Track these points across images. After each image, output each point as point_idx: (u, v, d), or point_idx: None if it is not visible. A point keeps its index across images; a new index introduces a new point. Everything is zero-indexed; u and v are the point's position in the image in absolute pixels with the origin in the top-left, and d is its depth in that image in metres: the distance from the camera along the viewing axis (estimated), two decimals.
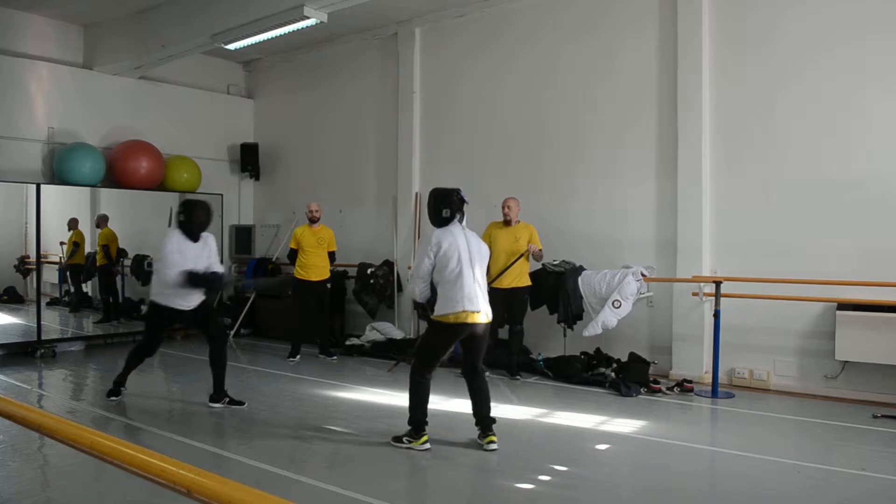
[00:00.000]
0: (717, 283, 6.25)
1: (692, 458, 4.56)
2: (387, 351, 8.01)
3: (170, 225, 9.96)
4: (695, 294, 6.69)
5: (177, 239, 5.44)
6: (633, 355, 6.73)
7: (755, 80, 6.49)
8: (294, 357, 7.85)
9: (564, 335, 7.15)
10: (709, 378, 6.43)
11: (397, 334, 8.45)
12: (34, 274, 8.48)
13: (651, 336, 7.13)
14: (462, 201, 4.65)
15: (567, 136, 7.68)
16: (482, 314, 4.49)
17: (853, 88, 6.01)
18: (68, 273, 9.04)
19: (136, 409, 5.85)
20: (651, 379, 6.45)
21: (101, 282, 9.37)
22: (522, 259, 6.73)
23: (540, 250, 6.75)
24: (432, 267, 4.47)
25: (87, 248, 9.20)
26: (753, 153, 6.51)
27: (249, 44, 8.04)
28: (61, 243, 8.79)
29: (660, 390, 6.26)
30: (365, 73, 9.62)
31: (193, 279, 5.36)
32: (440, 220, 4.62)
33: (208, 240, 5.68)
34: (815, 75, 6.20)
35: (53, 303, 9.16)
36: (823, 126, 6.15)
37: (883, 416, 5.32)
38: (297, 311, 8.02)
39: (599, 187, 7.42)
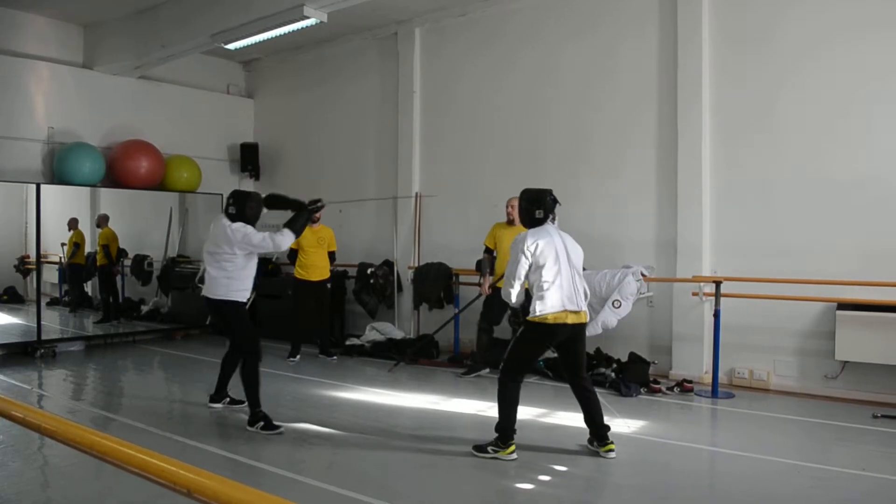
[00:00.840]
0: (717, 283, 6.25)
1: (692, 458, 4.56)
2: (387, 351, 8.01)
3: (170, 225, 9.99)
4: (695, 294, 6.69)
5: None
6: (633, 355, 6.73)
7: (755, 79, 6.49)
8: (294, 357, 7.84)
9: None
10: (709, 378, 6.43)
11: (397, 334, 8.45)
12: (34, 274, 8.48)
13: (651, 336, 7.13)
14: (555, 202, 4.55)
15: (567, 136, 7.68)
16: (583, 314, 4.37)
17: (853, 88, 6.01)
18: (68, 273, 9.03)
19: (136, 409, 5.85)
20: (651, 379, 6.46)
21: (101, 282, 9.37)
22: None
23: None
24: (528, 267, 4.32)
25: (88, 248, 9.21)
26: (753, 153, 6.51)
27: (249, 44, 8.04)
28: (62, 244, 8.79)
29: (660, 390, 6.26)
30: (365, 73, 9.62)
31: (279, 202, 5.21)
32: (533, 221, 4.52)
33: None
34: (815, 75, 6.20)
35: (53, 303, 9.17)
36: (823, 126, 6.15)
37: (883, 416, 5.32)
38: (297, 311, 8.02)
39: (599, 187, 7.42)
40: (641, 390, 6.26)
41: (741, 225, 6.59)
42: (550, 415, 5.53)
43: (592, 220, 7.40)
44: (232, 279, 5.07)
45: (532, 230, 4.45)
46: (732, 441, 4.89)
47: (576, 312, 4.32)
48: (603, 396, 6.11)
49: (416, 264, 8.69)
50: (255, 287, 5.44)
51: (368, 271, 8.82)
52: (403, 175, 9.05)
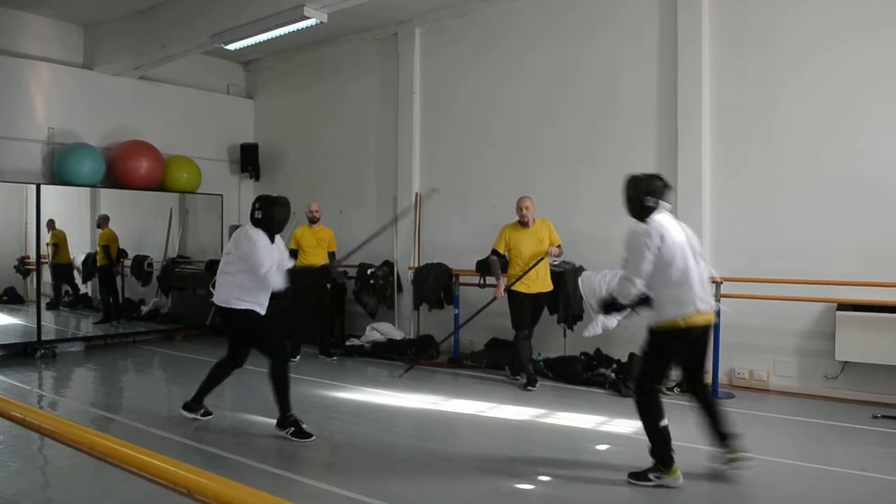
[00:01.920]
0: (717, 283, 6.24)
1: (692, 458, 4.55)
2: (387, 351, 8.01)
3: (170, 225, 9.99)
4: None
5: (264, 236, 4.83)
6: (633, 356, 6.71)
7: (755, 80, 6.49)
8: (294, 357, 7.84)
9: (564, 335, 7.15)
10: (708, 378, 6.41)
11: (397, 335, 8.45)
12: (34, 274, 8.48)
13: None
14: (666, 187, 4.01)
15: (566, 136, 7.68)
16: (713, 313, 3.93)
17: (853, 89, 6.01)
18: (51, 274, 8.96)
19: (136, 409, 5.85)
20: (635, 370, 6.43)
21: (101, 282, 9.37)
22: (545, 261, 6.50)
23: (559, 246, 6.50)
24: (653, 264, 3.81)
25: (72, 248, 9.15)
26: (753, 153, 6.51)
27: (249, 44, 8.04)
28: (46, 244, 8.72)
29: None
30: (365, 74, 9.62)
31: (300, 277, 4.90)
32: (643, 211, 3.95)
33: (279, 242, 5.08)
34: (815, 76, 6.20)
35: (54, 303, 9.16)
36: (823, 126, 6.15)
37: (883, 417, 5.32)
38: (296, 312, 8.01)
39: (599, 187, 7.42)
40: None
41: (741, 225, 6.58)
42: (550, 415, 5.52)
43: (593, 219, 7.40)
44: (249, 289, 4.82)
45: (653, 222, 3.88)
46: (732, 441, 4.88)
47: (709, 312, 3.89)
48: (603, 397, 6.13)
49: (416, 265, 8.69)
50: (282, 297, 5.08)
51: (368, 272, 8.82)
52: (403, 175, 9.04)
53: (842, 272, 5.88)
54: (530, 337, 6.55)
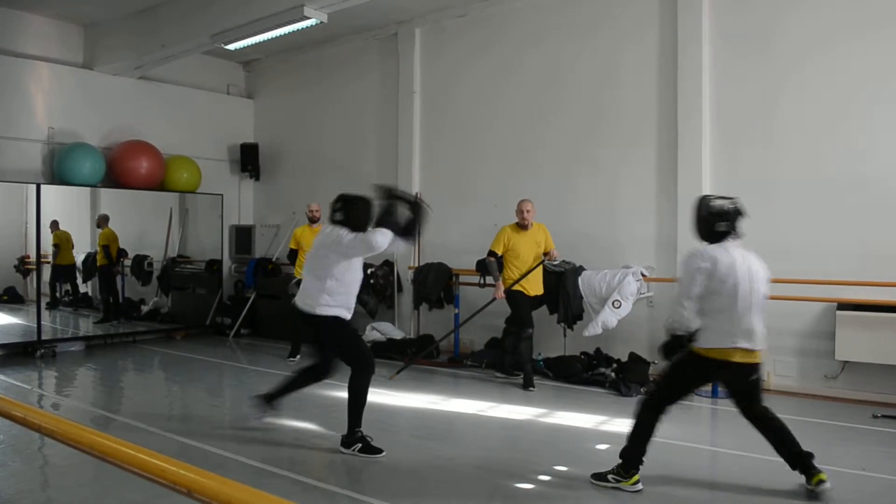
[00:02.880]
0: None
1: (692, 458, 4.56)
2: (387, 351, 8.00)
3: (170, 225, 10.00)
4: None
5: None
6: (633, 355, 6.73)
7: (755, 80, 6.49)
8: (294, 357, 7.84)
9: (564, 335, 7.14)
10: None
11: (397, 334, 8.45)
12: (34, 274, 8.48)
13: (651, 336, 7.11)
14: (739, 213, 3.87)
15: (566, 137, 7.68)
16: (757, 354, 3.72)
17: (853, 89, 6.01)
18: (52, 274, 8.95)
19: (136, 409, 5.85)
20: (651, 379, 6.45)
21: (101, 282, 9.37)
22: (541, 265, 6.58)
23: (553, 251, 6.61)
24: (703, 288, 3.70)
25: (88, 248, 9.19)
26: (753, 153, 6.51)
27: (249, 44, 8.05)
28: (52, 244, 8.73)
29: None
30: (365, 74, 9.62)
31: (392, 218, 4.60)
32: (712, 235, 3.83)
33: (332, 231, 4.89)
34: (815, 76, 6.20)
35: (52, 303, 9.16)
36: (823, 126, 6.15)
37: (883, 416, 5.32)
38: (296, 311, 8.01)
39: (600, 187, 7.42)
40: (641, 390, 6.24)
41: (741, 225, 6.57)
42: (550, 415, 5.52)
43: (592, 220, 7.40)
44: (333, 293, 4.60)
45: (712, 245, 3.78)
46: (732, 441, 4.88)
47: (752, 352, 3.70)
48: (603, 396, 6.13)
49: (416, 264, 8.69)
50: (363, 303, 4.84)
51: (368, 271, 8.81)
52: (403, 175, 9.04)
53: (842, 272, 5.88)
54: (530, 337, 6.55)
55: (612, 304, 6.56)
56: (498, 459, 4.44)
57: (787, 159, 6.33)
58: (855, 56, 5.99)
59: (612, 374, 6.47)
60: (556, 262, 7.02)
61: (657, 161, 7.07)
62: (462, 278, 7.93)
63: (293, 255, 7.93)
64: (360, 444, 4.44)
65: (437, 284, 8.13)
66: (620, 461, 3.90)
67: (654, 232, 7.08)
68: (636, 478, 3.87)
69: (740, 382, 3.85)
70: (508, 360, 6.78)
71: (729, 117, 6.64)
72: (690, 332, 3.78)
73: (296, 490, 3.81)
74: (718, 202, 3.88)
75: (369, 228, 4.67)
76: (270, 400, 4.98)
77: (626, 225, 7.25)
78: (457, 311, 7.83)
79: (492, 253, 6.60)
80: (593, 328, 6.57)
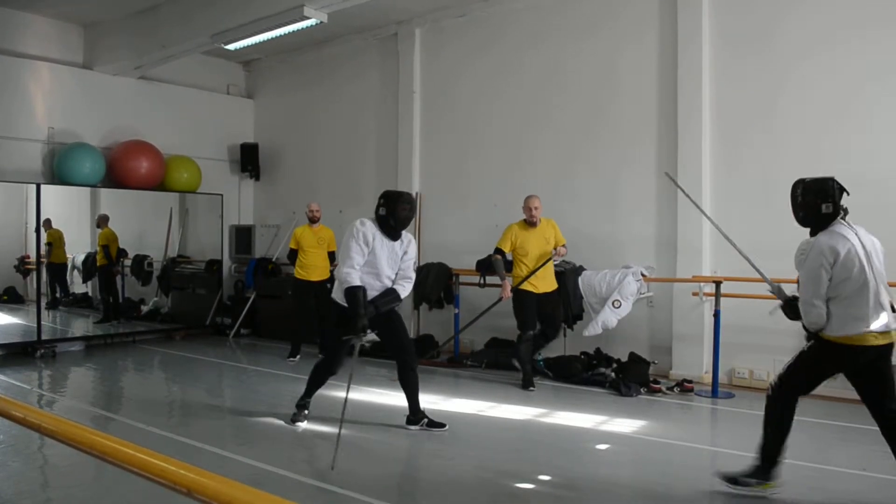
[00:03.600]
0: (718, 283, 6.25)
1: (692, 458, 4.56)
2: (387, 351, 7.99)
3: (170, 225, 10.00)
4: (695, 294, 6.69)
5: (369, 229, 4.67)
6: (633, 355, 6.73)
7: (755, 80, 6.49)
8: (294, 357, 7.84)
9: (564, 335, 7.14)
10: (709, 378, 6.42)
11: None
12: (34, 274, 8.48)
13: (651, 336, 7.12)
14: (842, 190, 3.62)
15: (567, 137, 7.68)
16: (893, 333, 3.52)
17: (853, 88, 6.01)
18: (47, 273, 8.93)
19: (137, 408, 5.85)
20: (651, 379, 6.45)
21: (101, 282, 9.37)
22: (551, 261, 6.44)
23: (564, 246, 6.44)
24: (828, 283, 3.50)
25: (72, 248, 9.17)
26: (753, 153, 6.51)
27: (249, 44, 8.04)
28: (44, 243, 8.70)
29: (660, 390, 6.26)
30: (365, 74, 9.62)
31: (349, 300, 4.51)
32: (819, 219, 3.62)
33: (408, 242, 4.90)
34: (815, 76, 6.20)
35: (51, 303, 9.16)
36: (823, 126, 6.15)
37: None
38: (296, 311, 8.02)
39: (600, 187, 7.42)
40: (641, 390, 6.25)
41: (741, 225, 6.56)
42: (550, 415, 5.52)
43: (592, 219, 7.40)
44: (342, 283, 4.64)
45: (825, 235, 3.56)
46: (732, 441, 4.89)
47: (884, 333, 3.49)
48: (603, 396, 6.13)
49: (417, 264, 8.68)
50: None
51: None
52: (403, 175, 9.04)
53: None
54: (532, 340, 6.49)
55: (612, 303, 6.56)
56: (498, 459, 4.43)
57: (787, 159, 6.32)
58: (855, 56, 6.00)
59: (612, 374, 6.47)
60: (555, 262, 6.92)
61: (657, 161, 7.07)
62: (462, 278, 7.93)
63: (293, 254, 7.93)
64: (426, 420, 4.99)
65: (437, 284, 8.13)
66: (759, 463, 3.70)
67: (654, 232, 7.08)
68: (774, 483, 3.69)
69: (878, 364, 3.56)
70: (527, 370, 6.47)
71: (729, 117, 6.64)
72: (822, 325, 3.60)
73: (296, 490, 3.81)
74: (818, 183, 3.66)
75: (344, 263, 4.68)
76: (416, 412, 5.08)
77: (626, 225, 7.25)
78: (457, 311, 7.83)
79: (498, 251, 6.50)
80: (593, 328, 6.57)
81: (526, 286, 6.37)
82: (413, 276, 4.97)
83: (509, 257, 6.56)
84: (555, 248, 6.42)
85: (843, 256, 3.46)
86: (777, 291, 3.97)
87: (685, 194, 5.03)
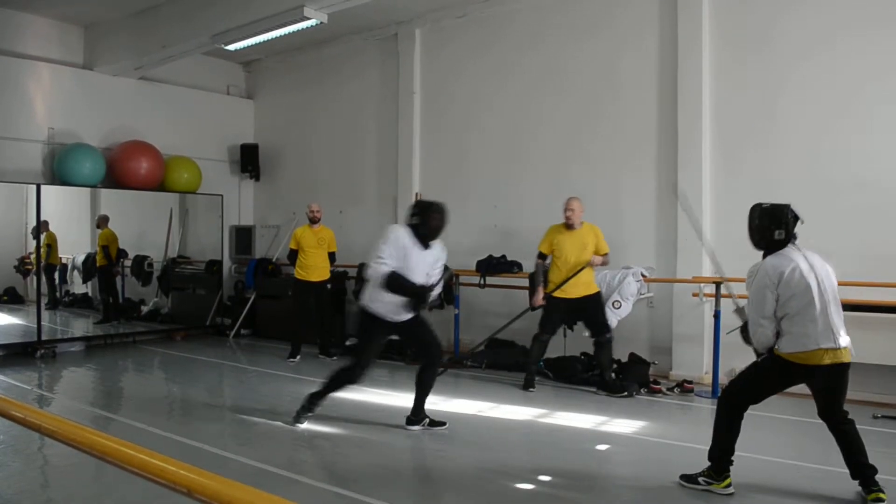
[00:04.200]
0: (717, 284, 6.24)
1: (692, 458, 4.55)
2: (387, 351, 7.98)
3: (170, 225, 10.00)
4: (695, 295, 6.69)
5: (403, 235, 4.74)
6: (633, 356, 6.73)
7: (755, 81, 6.49)
8: (294, 358, 7.84)
9: (564, 335, 7.13)
10: (709, 378, 6.42)
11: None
12: (34, 274, 8.47)
13: (651, 336, 7.12)
14: (796, 219, 3.80)
15: (567, 137, 7.68)
16: (842, 352, 3.62)
17: (853, 89, 6.01)
18: (45, 274, 8.92)
19: (137, 408, 5.85)
20: (651, 379, 6.45)
21: (101, 282, 9.37)
22: (588, 268, 6.22)
23: (606, 255, 6.25)
24: (776, 302, 3.65)
25: (71, 248, 9.18)
26: (753, 154, 6.51)
27: (249, 44, 8.05)
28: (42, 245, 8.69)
29: (660, 391, 6.26)
30: (365, 74, 9.62)
31: (395, 285, 4.57)
32: (771, 244, 3.80)
33: (439, 251, 5.00)
34: (815, 76, 6.20)
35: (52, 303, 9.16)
36: (823, 127, 6.15)
37: (883, 417, 5.32)
38: (296, 312, 8.02)
39: (599, 188, 7.42)
40: (642, 391, 6.25)
41: (741, 225, 6.51)
42: (550, 415, 5.52)
43: (593, 220, 7.37)
44: (376, 289, 4.69)
45: (772, 258, 3.74)
46: None
47: (836, 350, 3.60)
48: (603, 397, 6.13)
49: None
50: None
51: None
52: (403, 175, 9.04)
53: (842, 272, 5.80)
54: (546, 342, 6.42)
55: (612, 304, 6.56)
56: (498, 460, 4.43)
57: (786, 160, 6.33)
58: (855, 56, 6.00)
59: (613, 375, 6.46)
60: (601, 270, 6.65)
61: (657, 162, 7.07)
62: (462, 279, 7.93)
63: (293, 255, 7.93)
64: (427, 420, 4.93)
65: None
66: (710, 463, 3.82)
67: (654, 233, 7.08)
68: (728, 480, 3.78)
69: (828, 382, 3.71)
70: (608, 377, 6.29)
71: (729, 118, 6.64)
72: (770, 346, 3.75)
73: (296, 490, 3.81)
74: (773, 210, 3.82)
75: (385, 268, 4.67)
76: (419, 412, 5.05)
77: (626, 225, 7.25)
78: (457, 311, 7.83)
79: (540, 254, 6.37)
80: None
81: (558, 293, 6.21)
82: (441, 278, 5.10)
83: (549, 260, 6.35)
84: (593, 256, 6.18)
85: (786, 275, 3.61)
86: (740, 312, 4.08)
87: (688, 214, 5.00)
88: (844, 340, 3.64)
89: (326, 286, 8.07)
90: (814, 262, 3.72)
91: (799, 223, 3.79)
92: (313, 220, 7.96)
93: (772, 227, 3.79)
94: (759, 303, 3.70)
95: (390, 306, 4.72)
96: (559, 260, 6.25)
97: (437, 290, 4.93)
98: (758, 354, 3.90)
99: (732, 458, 3.80)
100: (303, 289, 7.89)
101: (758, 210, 3.90)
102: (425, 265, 4.81)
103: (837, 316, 3.66)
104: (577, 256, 6.18)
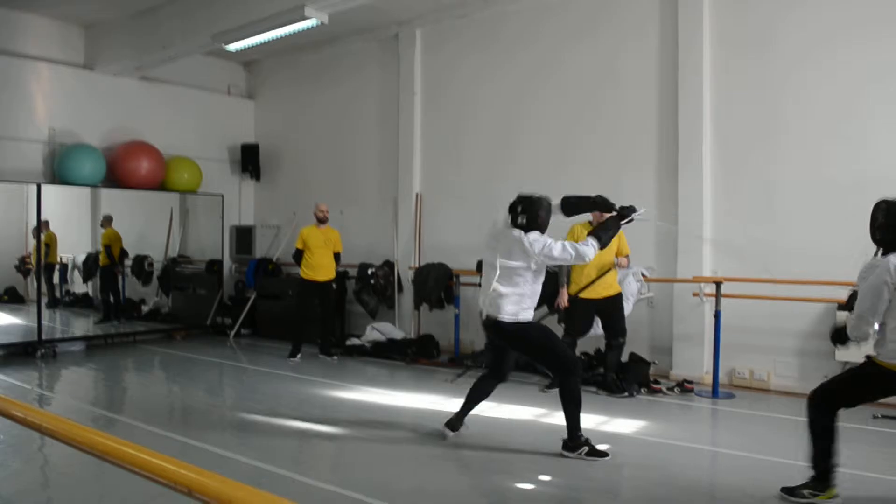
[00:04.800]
0: (718, 284, 6.25)
1: (692, 458, 4.56)
2: (387, 351, 8.01)
3: (170, 225, 10.00)
4: (695, 294, 6.69)
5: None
6: (633, 356, 6.73)
7: (756, 81, 6.49)
8: (295, 357, 7.85)
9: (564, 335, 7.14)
10: (709, 378, 6.42)
11: (398, 334, 8.45)
12: (34, 274, 8.48)
13: (651, 336, 7.13)
14: None
15: (568, 137, 7.68)
16: None
17: (854, 89, 6.01)
18: (44, 273, 8.92)
19: (137, 408, 5.85)
20: (651, 379, 6.45)
21: (102, 281, 9.38)
22: (612, 269, 6.17)
23: (627, 257, 6.19)
24: (888, 302, 3.46)
25: (72, 248, 9.17)
26: (754, 154, 6.51)
27: (250, 45, 8.04)
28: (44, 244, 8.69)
29: (660, 390, 6.26)
30: (366, 74, 9.62)
31: (605, 225, 4.64)
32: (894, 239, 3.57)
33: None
34: (816, 76, 6.20)
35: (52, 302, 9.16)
36: (824, 127, 6.15)
37: (883, 417, 5.32)
38: (299, 311, 8.02)
39: (600, 187, 7.38)
40: (642, 390, 6.25)
41: (741, 225, 6.58)
42: (550, 415, 5.52)
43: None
44: (524, 296, 4.47)
45: (894, 255, 3.53)
46: (733, 441, 4.89)
47: None
48: (603, 397, 6.12)
49: (417, 265, 8.69)
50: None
51: (369, 272, 8.83)
52: (404, 176, 9.04)
53: (842, 272, 5.85)
54: (574, 345, 6.33)
55: None
56: (498, 460, 4.43)
57: (787, 160, 6.33)
58: (856, 56, 5.99)
59: (613, 375, 6.46)
60: (626, 271, 6.58)
61: (657, 161, 7.07)
62: (462, 279, 7.93)
63: (299, 254, 7.92)
64: (586, 448, 4.37)
65: (437, 285, 8.13)
66: (814, 474, 3.65)
67: (655, 233, 7.08)
68: (833, 491, 3.61)
69: None
70: (610, 377, 6.26)
71: (729, 118, 6.64)
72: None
73: (296, 490, 3.81)
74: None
75: (589, 239, 4.64)
76: (458, 423, 4.86)
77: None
78: (457, 311, 7.83)
79: None
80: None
81: (582, 294, 6.16)
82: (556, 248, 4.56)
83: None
84: (617, 257, 6.14)
85: None
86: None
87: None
88: None
89: (332, 286, 8.07)
90: None
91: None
92: (322, 220, 7.95)
93: None
94: (872, 298, 3.49)
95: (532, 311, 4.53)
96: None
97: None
98: (835, 342, 3.78)
99: (834, 468, 3.62)
100: (308, 288, 7.89)
101: (884, 205, 3.74)
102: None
103: None
104: (602, 257, 5.92)
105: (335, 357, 7.98)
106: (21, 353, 8.06)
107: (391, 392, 6.34)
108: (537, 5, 7.90)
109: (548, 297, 5.98)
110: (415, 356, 7.77)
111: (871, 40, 5.92)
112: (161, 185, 9.46)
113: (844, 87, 6.05)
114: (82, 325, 9.41)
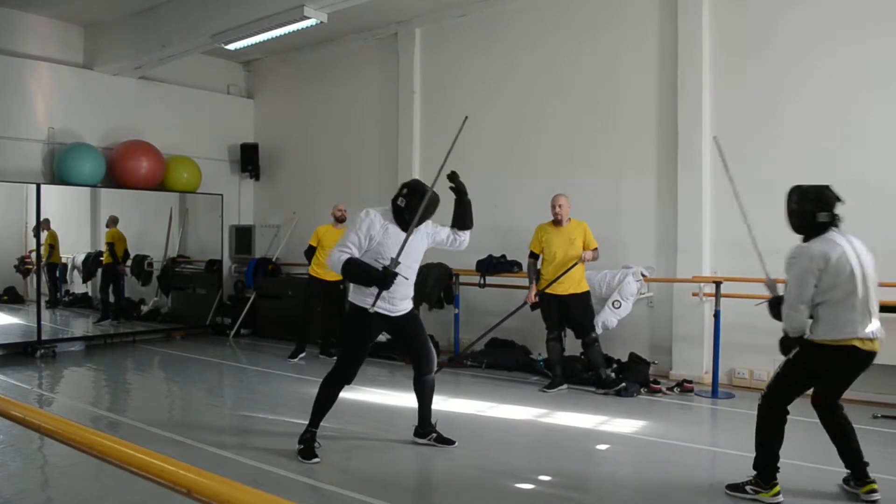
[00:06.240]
0: (718, 284, 6.25)
1: (692, 458, 4.56)
2: (387, 351, 8.00)
3: (170, 225, 10.00)
4: (695, 294, 6.69)
5: (377, 221, 4.49)
6: (633, 355, 6.73)
7: (755, 80, 6.49)
8: (296, 357, 7.84)
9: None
10: (709, 378, 6.42)
11: None
12: (34, 274, 8.48)
13: (651, 336, 7.13)
14: (837, 199, 3.66)
15: (568, 137, 7.68)
16: (876, 342, 3.55)
17: (853, 89, 6.01)
18: (46, 273, 8.91)
19: (136, 409, 5.85)
20: (651, 379, 6.45)
21: (104, 280, 9.38)
22: (579, 264, 6.20)
23: (595, 250, 6.22)
24: (815, 288, 3.52)
25: (71, 248, 9.19)
26: (754, 154, 6.50)
27: (249, 44, 8.05)
28: (44, 243, 8.68)
29: (660, 390, 6.26)
30: (365, 74, 9.62)
31: (353, 270, 4.27)
32: (814, 228, 3.66)
33: (432, 227, 4.79)
34: (816, 76, 6.20)
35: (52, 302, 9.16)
36: (824, 127, 6.15)
37: (883, 417, 5.32)
38: (305, 310, 8.00)
39: (600, 187, 7.42)
40: (642, 390, 6.25)
41: (741, 225, 6.53)
42: (550, 415, 5.52)
43: (593, 220, 7.36)
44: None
45: (818, 241, 3.60)
46: (732, 441, 4.88)
47: (871, 340, 3.54)
48: (603, 396, 6.13)
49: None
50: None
51: None
52: (404, 175, 9.02)
53: None
54: (561, 340, 6.40)
55: (612, 304, 6.56)
56: (498, 460, 4.43)
57: (787, 159, 6.32)
58: (855, 55, 5.99)
59: (613, 375, 6.47)
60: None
61: (657, 161, 7.07)
62: (462, 279, 7.93)
63: (311, 251, 7.89)
64: (434, 434, 4.56)
65: (437, 285, 8.13)
66: (756, 472, 3.72)
67: (654, 232, 7.08)
68: (777, 489, 3.66)
69: (849, 370, 3.63)
70: (604, 374, 6.29)
71: (729, 117, 6.63)
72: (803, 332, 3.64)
73: (296, 490, 3.81)
74: (815, 191, 3.70)
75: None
76: (426, 425, 4.72)
77: (626, 225, 7.25)
78: (457, 311, 7.83)
79: (531, 254, 6.38)
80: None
81: (549, 290, 6.22)
82: (461, 236, 4.91)
83: (542, 258, 6.36)
84: (581, 255, 6.18)
85: (833, 262, 3.50)
86: (771, 286, 3.99)
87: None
88: (879, 331, 3.56)
89: (339, 286, 8.06)
90: (858, 249, 3.60)
91: (840, 203, 3.67)
92: (340, 220, 7.93)
93: (815, 209, 3.67)
94: (799, 287, 3.56)
95: (382, 298, 4.30)
96: (548, 256, 6.26)
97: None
98: (785, 347, 3.74)
99: (778, 464, 3.71)
100: (315, 286, 7.88)
101: (797, 192, 3.79)
102: (412, 251, 4.45)
103: (875, 305, 3.57)
104: (566, 252, 6.19)
105: (335, 357, 7.95)
106: (20, 353, 8.06)
107: (391, 392, 6.34)
108: (537, 4, 7.90)
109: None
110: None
111: (871, 39, 5.92)
112: (161, 185, 9.46)
113: (844, 87, 6.05)
114: (82, 326, 9.40)
